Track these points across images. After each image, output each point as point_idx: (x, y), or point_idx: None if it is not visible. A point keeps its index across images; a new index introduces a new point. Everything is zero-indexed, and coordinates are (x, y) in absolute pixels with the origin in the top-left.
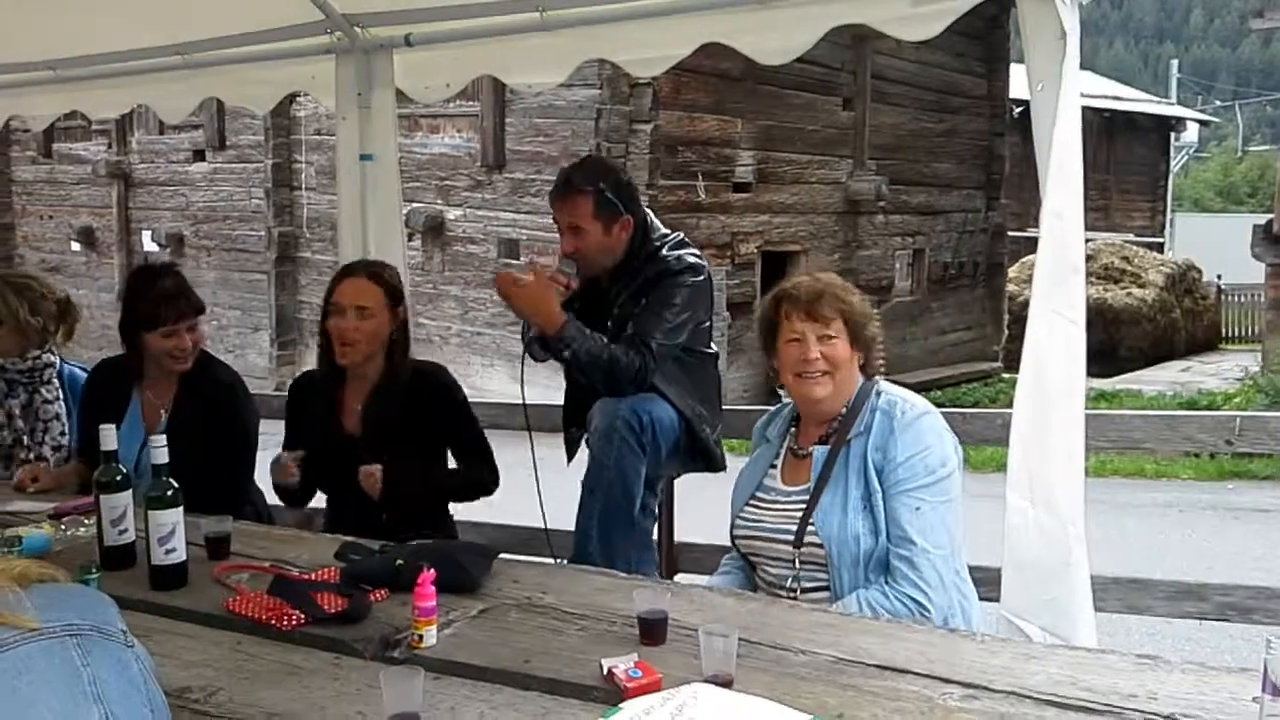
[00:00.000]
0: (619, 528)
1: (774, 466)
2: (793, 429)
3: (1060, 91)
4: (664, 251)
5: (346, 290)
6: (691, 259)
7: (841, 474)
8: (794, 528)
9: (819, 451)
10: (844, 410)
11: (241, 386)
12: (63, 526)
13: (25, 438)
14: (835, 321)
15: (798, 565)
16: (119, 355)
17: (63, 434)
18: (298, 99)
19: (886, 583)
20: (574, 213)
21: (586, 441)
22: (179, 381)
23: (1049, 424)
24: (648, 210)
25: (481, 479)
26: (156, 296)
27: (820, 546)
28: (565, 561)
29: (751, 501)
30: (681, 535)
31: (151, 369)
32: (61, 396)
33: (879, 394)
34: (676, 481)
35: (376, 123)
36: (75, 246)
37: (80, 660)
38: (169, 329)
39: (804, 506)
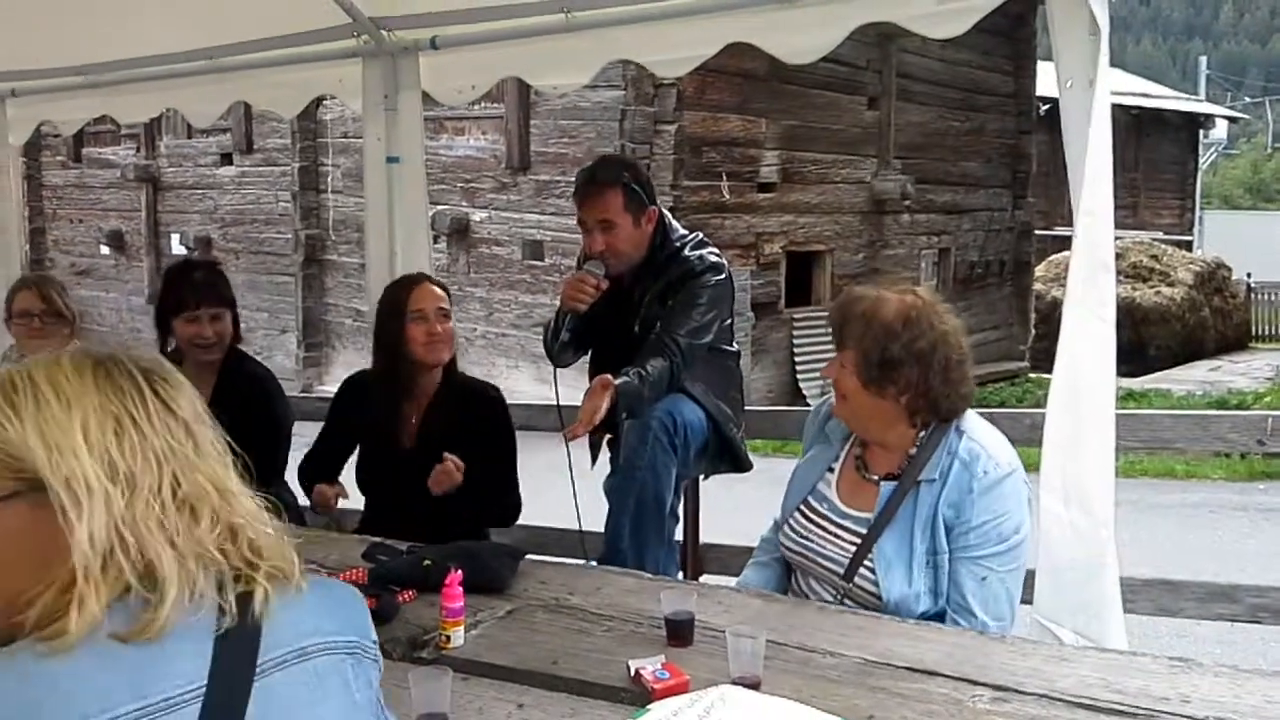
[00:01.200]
0: (651, 529)
1: (831, 472)
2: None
3: (1093, 89)
4: (686, 251)
5: (425, 296)
6: (713, 258)
7: (907, 520)
8: (846, 560)
9: (886, 487)
10: (915, 447)
11: (273, 380)
12: None
13: None
14: (847, 352)
15: (841, 597)
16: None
17: None
18: (324, 102)
19: None
20: (605, 207)
21: (609, 444)
22: (216, 376)
23: (1082, 425)
24: (664, 210)
25: (498, 515)
26: (185, 284)
27: (874, 595)
28: (593, 563)
29: (803, 508)
30: (706, 536)
31: (189, 366)
32: None
33: (961, 434)
34: (702, 482)
35: (403, 125)
36: (104, 250)
37: (352, 681)
38: (191, 314)
39: (860, 541)
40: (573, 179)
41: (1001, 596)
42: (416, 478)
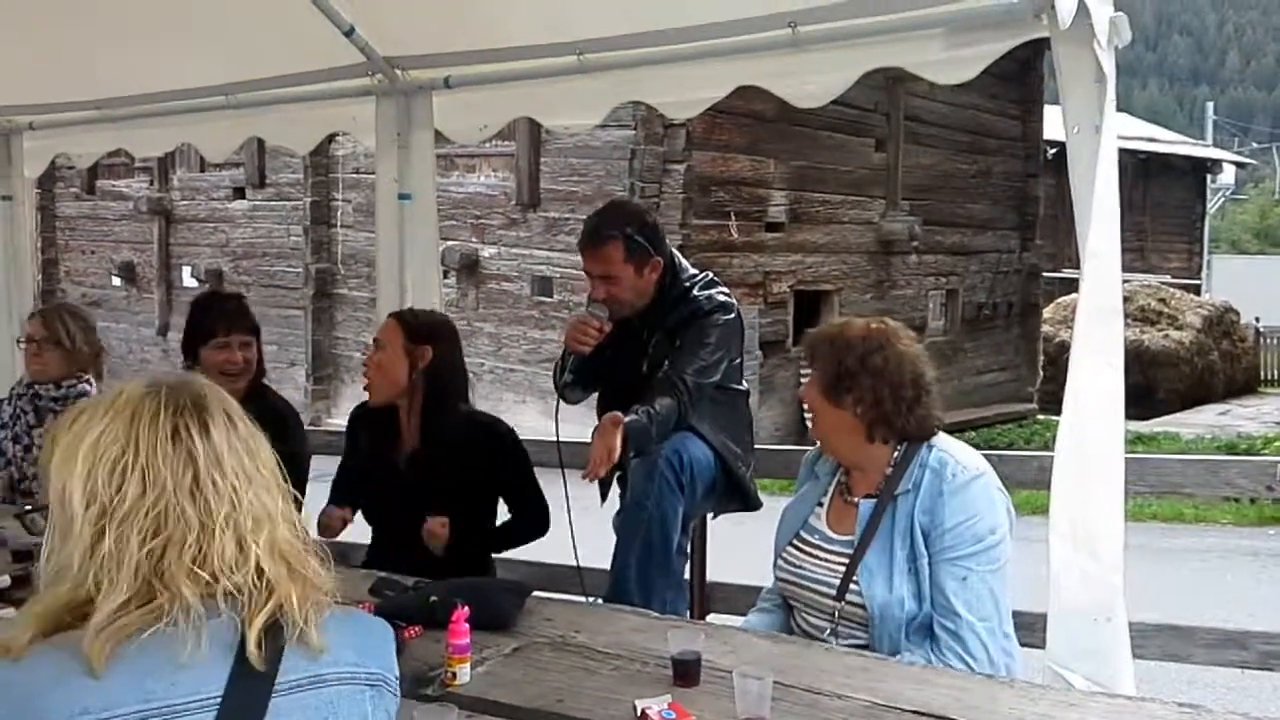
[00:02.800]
0: (657, 567)
1: (820, 505)
2: (843, 468)
3: (1100, 135)
4: (695, 291)
5: (379, 329)
6: (721, 298)
7: (887, 533)
8: (836, 581)
9: (865, 505)
10: (890, 466)
11: (295, 415)
12: None
13: None
14: (815, 370)
15: (837, 618)
16: None
17: None
18: (336, 138)
19: (932, 650)
20: (605, 261)
21: (619, 481)
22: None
23: (1090, 468)
24: (674, 250)
25: (529, 533)
26: (215, 312)
27: (862, 607)
28: (599, 600)
29: (795, 542)
30: (713, 575)
31: None
32: None
33: (931, 448)
34: (710, 520)
35: (415, 163)
36: (116, 281)
37: (370, 714)
38: (221, 340)
39: (848, 561)
40: (582, 216)
41: (985, 596)
42: (410, 506)
